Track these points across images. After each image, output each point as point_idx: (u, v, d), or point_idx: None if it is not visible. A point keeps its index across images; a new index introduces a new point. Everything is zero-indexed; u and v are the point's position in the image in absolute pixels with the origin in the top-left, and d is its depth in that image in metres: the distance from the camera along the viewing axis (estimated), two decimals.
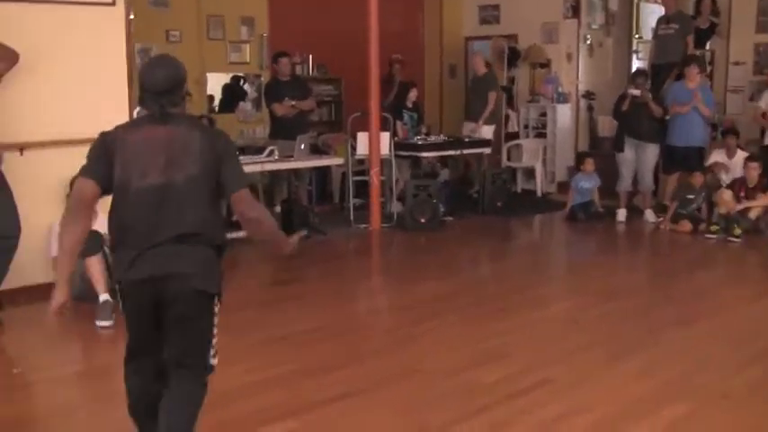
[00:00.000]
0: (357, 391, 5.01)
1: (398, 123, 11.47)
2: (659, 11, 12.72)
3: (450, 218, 10.74)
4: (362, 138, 10.31)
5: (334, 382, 5.16)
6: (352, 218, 10.36)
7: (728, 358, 5.74)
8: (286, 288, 7.73)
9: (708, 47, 12.86)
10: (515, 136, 13.49)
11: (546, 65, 13.68)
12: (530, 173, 13.14)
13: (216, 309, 3.74)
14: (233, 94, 12.29)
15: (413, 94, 11.74)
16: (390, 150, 10.51)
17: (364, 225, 10.16)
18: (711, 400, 4.93)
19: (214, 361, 3.77)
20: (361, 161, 10.72)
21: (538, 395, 4.93)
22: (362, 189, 10.60)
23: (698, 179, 10.38)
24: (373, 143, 10.15)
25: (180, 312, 3.61)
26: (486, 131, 12.20)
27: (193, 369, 3.71)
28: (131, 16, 7.51)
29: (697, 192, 10.37)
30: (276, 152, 9.44)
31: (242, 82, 12.36)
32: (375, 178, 10.18)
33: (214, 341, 3.75)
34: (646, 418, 4.63)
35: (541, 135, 13.51)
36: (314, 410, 4.72)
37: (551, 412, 4.68)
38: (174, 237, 3.58)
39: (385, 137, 10.38)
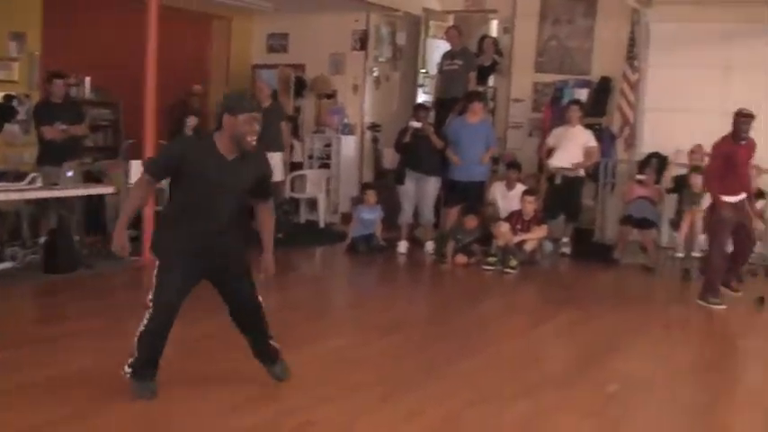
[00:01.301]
0: None
1: None
2: (445, 47, 12.88)
3: None
4: (136, 166, 9.79)
5: (99, 427, 4.80)
6: None
7: (501, 392, 5.71)
8: (47, 327, 7.15)
9: (491, 84, 13.14)
10: (299, 166, 13.33)
11: (332, 96, 13.65)
12: (313, 203, 12.99)
13: None
14: (1, 114, 11.49)
15: (191, 122, 11.37)
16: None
17: (136, 258, 9.64)
18: None
19: None
20: None
21: None
22: (140, 220, 10.09)
23: (471, 222, 10.49)
24: None
25: None
26: (277, 160, 11.96)
27: None
28: None
29: (469, 233, 10.48)
30: (39, 179, 8.87)
31: (13, 102, 11.58)
32: (148, 209, 9.72)
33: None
34: None
35: (326, 165, 13.42)
36: None
37: None
38: None
39: None
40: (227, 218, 5.10)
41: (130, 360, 5.18)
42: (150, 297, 5.04)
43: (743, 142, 8.59)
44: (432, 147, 10.70)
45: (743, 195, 8.71)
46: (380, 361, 6.40)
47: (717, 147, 8.77)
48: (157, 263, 5.06)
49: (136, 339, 5.11)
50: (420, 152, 10.69)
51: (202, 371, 5.88)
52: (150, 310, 5.06)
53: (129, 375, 5.18)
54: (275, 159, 11.77)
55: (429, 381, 5.88)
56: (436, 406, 5.35)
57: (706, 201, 9.70)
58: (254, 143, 4.97)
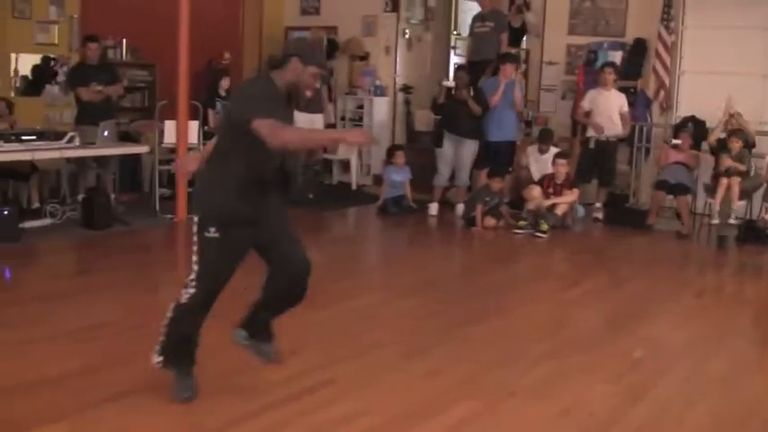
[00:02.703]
0: (133, 390, 4.72)
1: (210, 112, 11.13)
2: (477, 8, 12.77)
3: None
4: (170, 126, 9.99)
5: (112, 381, 4.85)
6: (158, 208, 9.98)
7: (522, 355, 5.72)
8: (81, 279, 7.39)
9: (524, 46, 13.03)
10: (332, 127, 13.32)
11: (365, 57, 13.64)
12: (346, 165, 13.01)
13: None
14: (41, 75, 11.66)
15: (225, 83, 11.41)
16: (199, 139, 10.17)
17: (170, 216, 9.80)
18: (499, 398, 4.87)
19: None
20: (172, 150, 10.34)
21: (321, 395, 4.76)
22: (174, 179, 10.22)
23: (496, 185, 10.42)
24: (181, 132, 9.81)
25: None
26: (320, 121, 12.00)
27: None
28: None
29: (494, 195, 10.44)
30: (77, 138, 8.99)
31: (52, 63, 11.73)
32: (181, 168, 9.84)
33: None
34: (431, 419, 4.53)
35: (358, 127, 13.39)
36: (85, 412, 4.43)
37: (333, 413, 4.51)
38: None
39: (193, 125, 10.05)
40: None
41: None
42: (195, 274, 4.40)
43: None
44: (469, 111, 10.63)
45: None
46: (403, 321, 6.45)
47: None
48: (211, 231, 4.30)
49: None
50: (458, 115, 10.66)
51: (228, 325, 5.95)
52: (194, 288, 4.41)
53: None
54: (320, 122, 11.87)
55: (450, 341, 5.92)
56: (455, 366, 5.39)
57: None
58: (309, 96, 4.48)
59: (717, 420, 4.83)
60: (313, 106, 11.80)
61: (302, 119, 11.63)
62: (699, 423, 4.77)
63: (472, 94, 10.72)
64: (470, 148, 10.85)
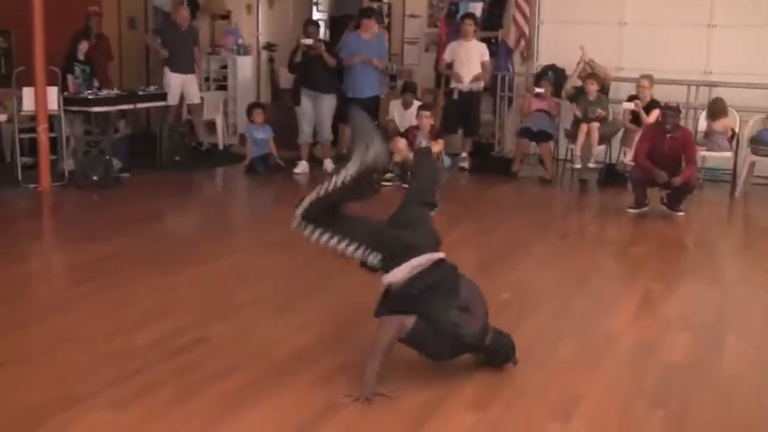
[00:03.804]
0: (6, 362, 4.64)
1: (69, 77, 10.83)
2: None
3: (127, 174, 10.27)
4: (27, 93, 9.64)
5: None
6: (20, 177, 9.69)
7: None
8: None
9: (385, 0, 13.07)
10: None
11: (226, 16, 13.45)
12: (212, 125, 12.84)
13: None
14: None
15: (83, 47, 11.10)
16: (59, 105, 9.89)
17: (33, 185, 9.55)
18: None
19: None
20: (32, 117, 10.03)
21: (194, 354, 4.76)
22: (36, 147, 9.93)
23: None
24: (39, 98, 9.54)
25: None
26: (192, 80, 11.83)
27: None
28: None
29: None
30: None
31: None
32: (43, 135, 9.59)
33: None
34: (304, 372, 4.58)
35: (223, 87, 13.28)
36: None
37: (206, 372, 4.51)
38: None
39: (52, 91, 9.76)
40: None
41: None
42: None
43: (668, 135, 8.76)
44: (325, 65, 10.62)
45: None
46: (273, 277, 6.54)
47: (646, 129, 9.24)
48: None
49: None
50: (313, 70, 10.62)
51: (101, 290, 5.90)
52: None
53: None
54: (194, 82, 11.67)
55: (321, 294, 6.01)
56: (328, 318, 5.48)
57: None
58: None
59: (578, 355, 5.03)
60: (186, 68, 11.66)
61: (176, 79, 11.47)
62: (562, 359, 4.95)
63: (324, 48, 10.70)
64: (329, 102, 10.85)
